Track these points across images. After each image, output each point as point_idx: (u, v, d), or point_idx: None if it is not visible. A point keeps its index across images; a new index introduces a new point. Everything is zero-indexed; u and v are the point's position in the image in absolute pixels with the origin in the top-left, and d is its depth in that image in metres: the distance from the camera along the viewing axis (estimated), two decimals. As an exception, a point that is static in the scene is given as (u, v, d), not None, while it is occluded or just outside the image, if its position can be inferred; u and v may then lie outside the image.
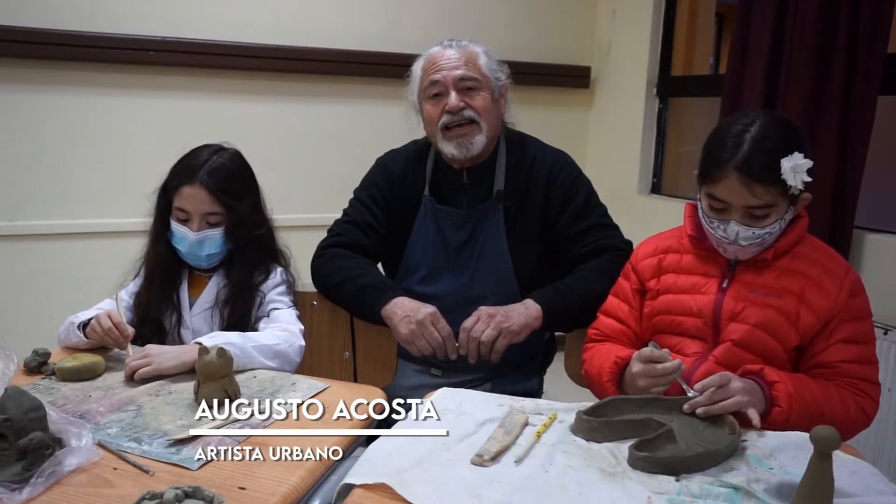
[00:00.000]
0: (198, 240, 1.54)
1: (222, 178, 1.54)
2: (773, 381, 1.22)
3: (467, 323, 1.53)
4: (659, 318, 1.40)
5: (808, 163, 1.23)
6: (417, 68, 1.70)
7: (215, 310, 1.58)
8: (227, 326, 1.55)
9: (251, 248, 1.60)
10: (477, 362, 1.54)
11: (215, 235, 1.55)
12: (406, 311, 1.54)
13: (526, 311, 1.55)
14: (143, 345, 1.46)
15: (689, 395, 1.21)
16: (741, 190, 1.24)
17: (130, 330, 1.45)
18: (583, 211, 1.67)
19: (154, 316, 1.58)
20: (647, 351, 1.28)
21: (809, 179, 1.24)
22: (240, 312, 1.57)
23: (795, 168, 1.22)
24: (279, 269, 1.64)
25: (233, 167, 1.58)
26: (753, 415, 1.15)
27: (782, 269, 1.32)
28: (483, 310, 1.54)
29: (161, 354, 1.37)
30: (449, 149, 1.64)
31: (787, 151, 1.23)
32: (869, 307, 1.33)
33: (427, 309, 1.54)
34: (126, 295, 1.61)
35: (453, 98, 1.61)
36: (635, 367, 1.29)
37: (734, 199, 1.26)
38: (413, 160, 1.76)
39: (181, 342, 1.57)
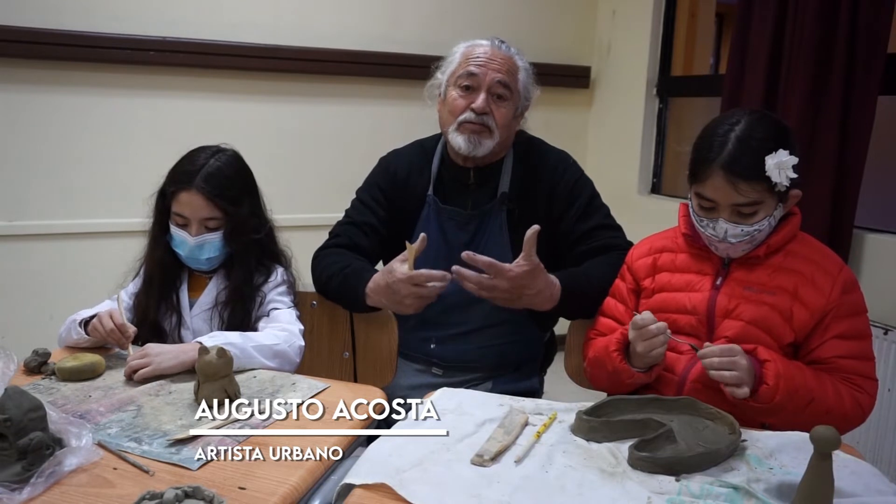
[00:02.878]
0: (197, 244, 1.53)
1: (219, 183, 1.53)
2: (764, 359, 1.24)
3: (505, 266, 1.43)
4: (654, 317, 1.40)
5: (793, 160, 1.24)
6: (458, 52, 1.68)
7: (215, 311, 1.58)
8: (227, 328, 1.55)
9: (251, 251, 1.59)
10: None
11: (214, 239, 1.55)
12: (385, 296, 1.51)
13: (550, 292, 1.50)
14: (143, 345, 1.46)
15: (693, 347, 1.29)
16: (727, 188, 1.26)
17: (132, 330, 1.45)
18: (586, 212, 1.67)
19: (153, 318, 1.58)
20: (638, 317, 1.31)
21: (795, 176, 1.25)
22: (240, 315, 1.57)
23: (780, 165, 1.23)
24: (280, 270, 1.64)
25: (230, 171, 1.56)
26: (743, 392, 1.20)
27: (776, 266, 1.33)
28: (517, 278, 1.44)
29: (160, 354, 1.37)
30: (458, 141, 1.63)
31: (771, 149, 1.24)
32: (864, 303, 1.33)
33: (392, 277, 1.48)
34: (126, 295, 1.61)
35: (481, 100, 1.61)
36: (631, 334, 1.32)
37: (721, 197, 1.27)
38: (417, 160, 1.76)
39: (181, 343, 1.56)
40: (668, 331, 1.29)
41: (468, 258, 1.42)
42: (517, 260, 1.44)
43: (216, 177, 1.53)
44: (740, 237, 1.29)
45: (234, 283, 1.57)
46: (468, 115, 1.61)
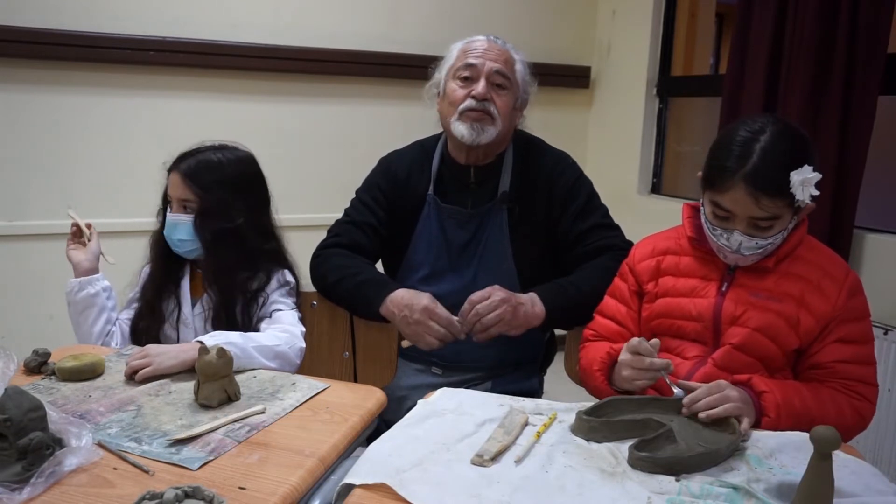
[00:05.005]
0: (172, 222, 1.58)
1: (199, 168, 1.57)
2: (762, 391, 1.21)
3: (476, 296, 1.50)
4: (658, 322, 1.40)
5: (818, 176, 1.21)
6: (455, 48, 1.70)
7: (210, 308, 1.58)
8: (228, 328, 1.54)
9: (226, 244, 1.57)
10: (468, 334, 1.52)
11: (185, 221, 1.57)
12: (402, 310, 1.52)
13: (532, 310, 1.54)
14: (143, 344, 1.46)
15: (675, 393, 1.22)
16: (748, 201, 1.22)
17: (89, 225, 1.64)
18: (584, 211, 1.67)
19: (152, 299, 1.62)
20: (636, 341, 1.26)
21: (817, 193, 1.22)
22: (234, 311, 1.56)
23: (805, 182, 1.20)
24: (283, 271, 1.64)
25: (219, 163, 1.59)
26: (745, 424, 1.15)
27: (782, 272, 1.31)
28: (497, 292, 1.51)
29: (161, 355, 1.37)
30: (461, 130, 1.62)
31: (796, 164, 1.20)
32: (867, 308, 1.32)
33: (421, 303, 1.51)
34: (125, 315, 1.66)
35: (482, 86, 1.61)
36: (623, 355, 1.29)
37: (740, 210, 1.24)
38: (417, 161, 1.76)
39: (178, 334, 1.59)
40: (671, 366, 1.24)
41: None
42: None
43: (200, 163, 1.58)
44: (754, 249, 1.26)
45: (210, 269, 1.59)
46: (469, 102, 1.62)
